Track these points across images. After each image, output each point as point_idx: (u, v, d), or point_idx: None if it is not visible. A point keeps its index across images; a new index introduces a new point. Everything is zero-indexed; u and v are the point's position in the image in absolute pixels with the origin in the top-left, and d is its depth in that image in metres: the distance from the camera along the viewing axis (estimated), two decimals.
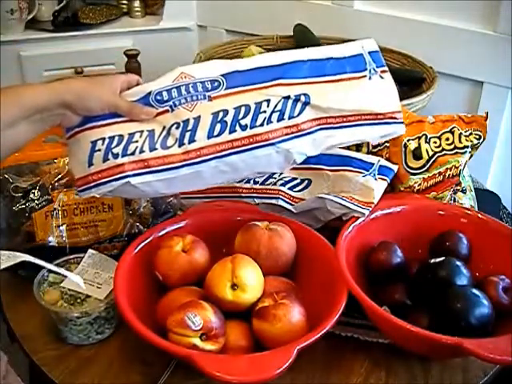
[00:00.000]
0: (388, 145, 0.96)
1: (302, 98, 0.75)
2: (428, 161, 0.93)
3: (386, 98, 0.79)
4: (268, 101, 0.74)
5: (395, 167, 0.92)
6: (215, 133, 0.72)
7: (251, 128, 0.73)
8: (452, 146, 0.93)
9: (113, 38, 1.75)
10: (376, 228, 0.85)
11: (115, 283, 0.73)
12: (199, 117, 0.73)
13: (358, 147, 0.99)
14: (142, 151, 0.71)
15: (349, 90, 0.77)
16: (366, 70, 0.79)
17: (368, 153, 0.97)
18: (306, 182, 0.93)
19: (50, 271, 0.81)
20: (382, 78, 0.79)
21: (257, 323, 0.71)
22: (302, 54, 0.78)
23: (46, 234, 0.85)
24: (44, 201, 0.85)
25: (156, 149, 0.72)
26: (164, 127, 0.73)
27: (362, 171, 0.90)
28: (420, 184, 0.93)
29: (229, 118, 0.73)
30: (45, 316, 0.79)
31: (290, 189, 0.92)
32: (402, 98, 1.06)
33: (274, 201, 0.91)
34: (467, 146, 0.93)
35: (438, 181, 0.93)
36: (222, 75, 0.75)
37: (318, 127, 0.75)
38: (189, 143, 0.72)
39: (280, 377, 0.61)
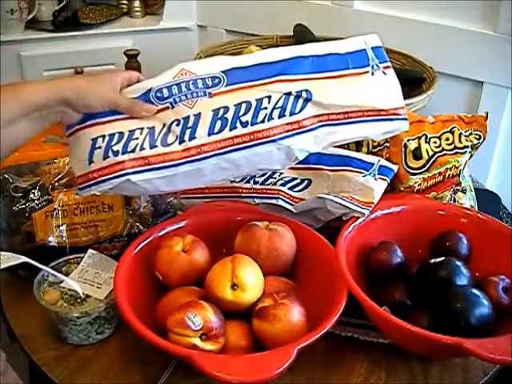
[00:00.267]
0: (388, 145, 0.96)
1: (304, 95, 0.74)
2: (428, 161, 0.93)
3: (389, 94, 0.78)
4: (269, 97, 0.73)
5: (395, 167, 0.92)
6: (216, 130, 0.72)
7: (252, 125, 0.72)
8: (452, 146, 0.93)
9: (113, 38, 1.75)
10: (376, 228, 0.85)
11: (115, 283, 0.73)
12: (200, 114, 0.72)
13: (357, 147, 0.99)
14: (142, 148, 0.71)
15: (351, 85, 0.76)
16: (368, 65, 0.78)
17: (368, 153, 0.97)
18: (306, 181, 0.93)
19: None
20: (384, 73, 0.79)
21: (257, 323, 0.71)
22: (304, 50, 0.77)
23: (46, 234, 0.85)
24: (44, 201, 0.85)
25: (156, 146, 0.71)
26: (164, 124, 0.72)
27: (362, 171, 0.90)
28: (420, 184, 0.93)
29: (229, 115, 0.72)
30: (45, 316, 0.79)
31: (290, 189, 0.92)
32: None
33: (274, 201, 0.91)
34: (467, 146, 0.93)
35: (438, 181, 0.93)
36: (223, 72, 0.74)
37: (320, 124, 0.75)
38: (189, 140, 0.71)
39: (280, 377, 0.61)
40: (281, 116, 0.73)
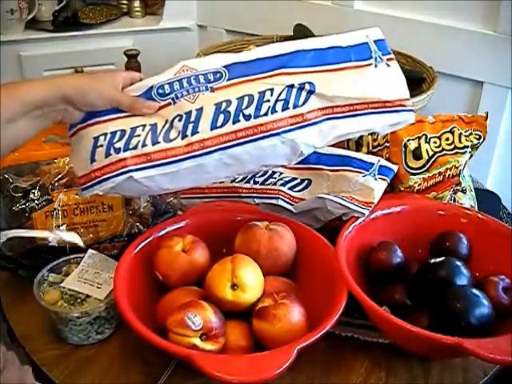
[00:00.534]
0: (388, 145, 0.96)
1: (307, 87, 0.73)
2: (428, 161, 0.93)
3: (394, 86, 0.77)
4: (271, 90, 0.73)
5: (395, 167, 0.92)
6: (218, 124, 0.71)
7: (255, 118, 0.71)
8: (452, 146, 0.93)
9: (113, 38, 1.75)
10: (376, 228, 0.85)
11: (115, 283, 0.73)
12: (202, 108, 0.72)
13: (357, 147, 0.99)
14: (144, 145, 0.71)
15: (354, 77, 0.75)
16: (371, 58, 0.77)
17: (368, 153, 0.97)
18: (306, 181, 0.93)
19: (49, 271, 0.81)
20: (388, 65, 0.78)
21: (257, 323, 0.71)
22: (305, 44, 0.76)
23: None
24: (44, 201, 0.85)
25: (159, 142, 0.71)
26: (166, 120, 0.72)
27: (362, 171, 0.90)
28: (420, 184, 0.93)
29: (232, 109, 0.71)
30: (45, 316, 0.79)
31: (290, 189, 0.92)
32: None
33: (274, 201, 0.91)
34: (467, 146, 0.93)
35: (438, 181, 0.93)
36: (224, 66, 0.74)
37: (324, 117, 0.74)
38: (192, 135, 0.71)
39: (280, 377, 0.61)
40: (284, 109, 0.72)
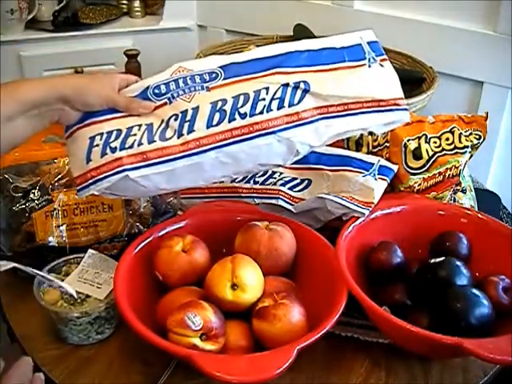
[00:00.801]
0: (388, 145, 0.96)
1: (302, 86, 0.73)
2: (428, 161, 0.93)
3: (388, 85, 0.77)
4: (267, 88, 0.73)
5: (395, 167, 0.92)
6: (214, 122, 0.71)
7: (251, 116, 0.72)
8: (452, 146, 0.93)
9: (113, 38, 1.75)
10: (376, 228, 0.85)
11: (115, 283, 0.73)
12: (198, 107, 0.72)
13: (357, 147, 0.99)
14: (140, 144, 0.70)
15: (348, 77, 0.76)
16: (364, 58, 0.77)
17: (368, 153, 0.97)
18: (306, 182, 0.93)
19: (49, 271, 0.81)
20: (382, 66, 0.78)
21: (257, 323, 0.71)
22: (300, 45, 0.77)
23: (46, 234, 0.85)
24: (44, 201, 0.85)
25: (155, 141, 0.71)
26: (162, 120, 0.72)
27: (362, 171, 0.90)
28: (420, 184, 0.93)
29: (228, 107, 0.72)
30: (45, 316, 0.79)
31: (290, 189, 0.92)
32: None
33: (274, 201, 0.91)
34: (467, 146, 0.93)
35: (438, 181, 0.93)
36: (220, 67, 0.74)
37: (319, 116, 0.74)
38: (188, 134, 0.71)
39: (280, 377, 0.61)
40: (280, 107, 0.72)
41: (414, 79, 1.24)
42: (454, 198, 0.96)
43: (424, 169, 0.93)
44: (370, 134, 0.98)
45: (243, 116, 0.72)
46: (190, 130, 0.71)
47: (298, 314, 0.70)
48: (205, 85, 0.73)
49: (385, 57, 0.80)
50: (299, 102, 0.73)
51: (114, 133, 0.71)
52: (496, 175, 1.44)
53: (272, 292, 0.73)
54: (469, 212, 0.89)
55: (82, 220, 0.86)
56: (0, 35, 1.62)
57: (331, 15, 1.54)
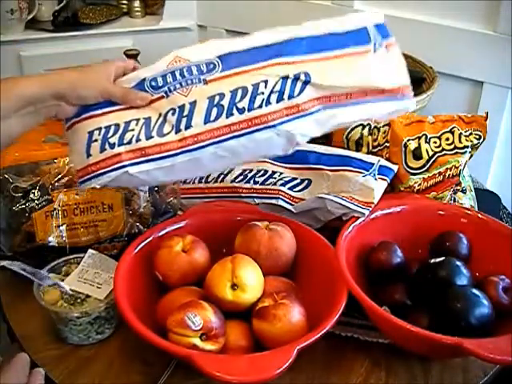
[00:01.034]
0: (388, 145, 0.96)
1: (302, 77, 0.72)
2: (428, 161, 0.93)
3: (393, 73, 0.75)
4: (266, 81, 0.71)
5: (395, 167, 0.92)
6: (212, 117, 0.70)
7: (249, 111, 0.71)
8: (452, 146, 0.93)
9: (113, 38, 1.75)
10: (376, 228, 0.85)
11: (115, 283, 0.73)
12: (195, 101, 0.71)
13: (357, 147, 0.99)
14: (138, 140, 0.70)
15: (351, 65, 0.73)
16: (369, 43, 0.75)
17: (368, 153, 0.97)
18: (306, 182, 0.93)
19: (49, 271, 0.81)
20: (388, 51, 0.76)
21: (257, 323, 0.71)
22: (301, 30, 0.75)
23: (46, 234, 0.85)
24: (44, 201, 0.85)
25: (152, 137, 0.70)
26: (160, 114, 0.71)
27: (362, 171, 0.90)
28: (420, 184, 0.93)
29: (225, 102, 0.71)
30: (45, 316, 0.79)
31: (290, 189, 0.92)
32: None
33: (274, 201, 0.91)
34: (467, 146, 0.93)
35: (438, 181, 0.93)
36: (218, 57, 0.73)
37: (321, 106, 0.72)
38: (185, 129, 0.70)
39: (280, 377, 0.61)
40: (279, 100, 0.71)
41: (414, 79, 1.22)
42: (454, 198, 0.96)
43: (424, 169, 0.93)
44: (370, 134, 0.98)
45: (241, 111, 0.71)
46: (188, 126, 0.70)
47: (298, 314, 0.70)
48: (202, 77, 0.72)
49: (392, 41, 0.76)
50: (299, 93, 0.71)
51: (112, 128, 0.71)
52: (496, 175, 1.44)
53: (272, 292, 0.73)
54: (469, 212, 0.89)
55: (82, 220, 0.86)
56: (0, 35, 1.62)
57: (331, 15, 1.53)
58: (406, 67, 0.76)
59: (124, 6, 1.87)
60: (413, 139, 0.94)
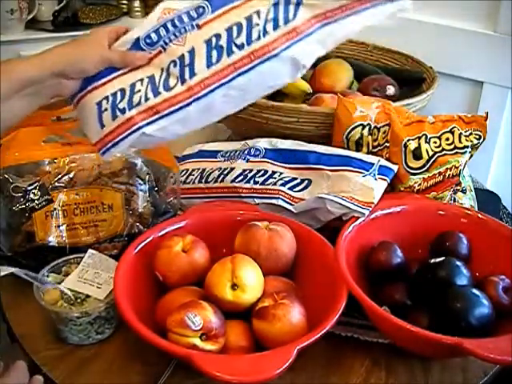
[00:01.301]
0: (388, 145, 0.96)
1: (293, 0, 0.71)
2: (428, 161, 0.93)
3: None
4: (258, 12, 0.71)
5: (395, 167, 0.92)
6: (214, 60, 0.70)
7: (248, 45, 0.70)
8: (452, 146, 0.93)
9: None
10: (376, 228, 0.85)
11: (115, 283, 0.73)
12: (193, 49, 0.71)
13: (357, 147, 0.99)
14: (147, 99, 0.71)
15: None
16: None
17: (368, 153, 0.97)
18: (306, 182, 0.92)
19: (49, 271, 0.81)
20: None
21: (257, 323, 0.71)
22: None
23: (46, 234, 0.85)
24: (44, 201, 0.85)
25: (160, 93, 0.71)
26: (162, 69, 0.72)
27: (362, 171, 0.90)
28: (420, 184, 0.93)
29: (223, 42, 0.71)
30: (45, 316, 0.79)
31: (290, 189, 0.92)
32: (401, 98, 1.07)
33: (274, 201, 0.91)
34: (467, 146, 0.93)
35: (438, 181, 0.93)
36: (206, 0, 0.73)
37: (318, 24, 0.71)
38: (190, 78, 0.70)
39: (280, 377, 0.61)
40: (275, 28, 0.70)
41: (414, 79, 1.24)
42: (454, 198, 0.96)
43: (424, 169, 0.93)
44: (370, 134, 0.98)
45: (241, 47, 0.70)
46: (192, 74, 0.70)
47: (298, 314, 0.70)
48: (194, 23, 0.72)
49: None
50: (294, 16, 0.71)
51: (119, 94, 0.72)
52: (496, 175, 1.44)
53: (272, 292, 0.73)
54: (469, 212, 0.89)
55: (82, 220, 0.86)
56: (0, 35, 1.62)
57: None
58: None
59: (124, 6, 1.87)
60: (413, 139, 0.94)
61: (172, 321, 0.68)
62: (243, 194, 0.93)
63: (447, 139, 0.94)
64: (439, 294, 0.73)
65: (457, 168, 0.93)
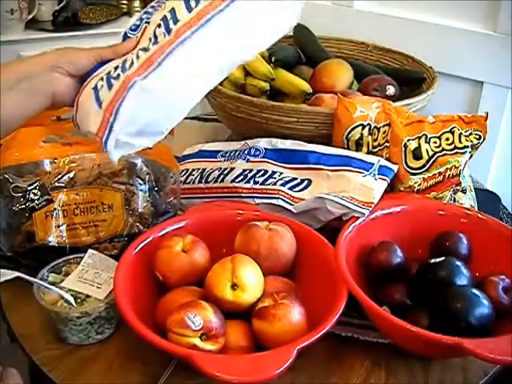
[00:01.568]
0: (388, 145, 0.96)
1: None
2: (428, 161, 0.93)
3: None
4: None
5: (395, 167, 0.92)
6: (193, 5, 0.72)
7: None
8: (452, 146, 0.93)
9: (113, 38, 1.74)
10: (376, 228, 0.85)
11: (115, 283, 0.73)
12: (173, 8, 0.73)
13: (357, 147, 0.99)
14: (138, 57, 0.72)
15: None
16: None
17: (368, 153, 0.97)
18: (306, 182, 0.93)
19: (49, 271, 0.81)
20: None
21: (257, 323, 0.71)
22: None
23: (46, 234, 0.85)
24: (44, 201, 0.85)
25: (150, 49, 0.72)
26: (150, 38, 0.73)
27: (362, 171, 0.90)
28: (420, 184, 0.93)
29: None
30: (45, 316, 0.79)
31: (290, 189, 0.92)
32: (402, 98, 1.07)
33: (274, 201, 0.91)
34: (467, 146, 0.93)
35: (437, 181, 0.93)
36: None
37: None
38: (175, 24, 0.72)
39: (280, 377, 0.61)
40: None
41: (414, 79, 1.24)
42: (454, 198, 0.96)
43: (424, 169, 0.93)
44: (370, 134, 0.98)
45: None
46: (175, 21, 0.72)
47: (298, 314, 0.70)
48: None
49: None
50: None
51: (113, 70, 0.73)
52: (496, 175, 1.44)
53: (272, 292, 0.73)
54: (469, 212, 0.89)
55: (82, 220, 0.86)
56: (0, 35, 1.62)
57: (331, 15, 1.54)
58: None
59: (124, 6, 1.87)
60: (413, 139, 0.94)
61: (172, 321, 0.68)
62: (243, 194, 0.93)
63: (447, 139, 0.94)
64: (439, 294, 0.73)
65: (457, 168, 0.93)
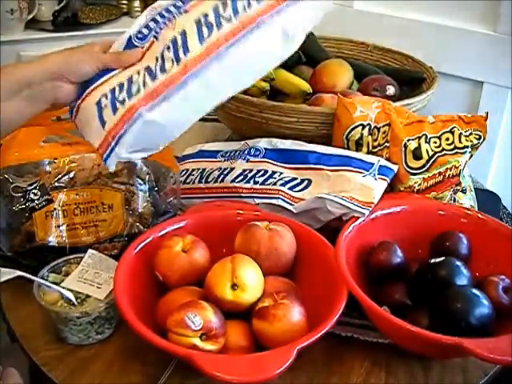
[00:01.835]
0: (388, 145, 0.96)
1: None
2: (428, 161, 0.93)
3: None
4: None
5: (395, 167, 0.92)
6: (205, 35, 0.71)
7: (235, 15, 0.72)
8: (452, 146, 0.93)
9: (113, 38, 1.75)
10: (376, 228, 0.85)
11: (115, 283, 0.73)
12: (184, 30, 0.72)
13: (357, 147, 0.99)
14: (145, 85, 0.71)
15: None
16: None
17: (368, 153, 0.97)
18: (306, 182, 0.93)
19: (49, 271, 0.81)
20: None
21: (257, 323, 0.71)
22: None
23: (46, 234, 0.85)
24: (44, 201, 0.85)
25: (157, 77, 0.71)
26: (157, 58, 0.72)
27: (362, 171, 0.90)
28: (420, 184, 0.93)
29: (211, 19, 0.72)
30: (45, 316, 0.79)
31: (290, 189, 0.92)
32: (402, 98, 1.07)
33: (274, 201, 0.91)
34: (467, 146, 0.93)
35: (437, 181, 0.93)
36: None
37: None
38: (185, 55, 0.71)
39: (280, 377, 0.61)
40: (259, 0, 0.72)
41: (414, 79, 1.24)
42: (454, 198, 0.96)
43: (424, 169, 0.93)
44: (370, 134, 0.98)
45: (229, 19, 0.71)
46: (186, 51, 0.71)
47: (298, 314, 0.70)
48: (181, 9, 0.73)
49: None
50: None
51: (117, 88, 0.72)
52: (496, 175, 1.44)
53: (272, 292, 0.73)
54: (469, 212, 0.89)
55: (82, 220, 0.86)
56: (0, 35, 1.62)
57: (331, 15, 1.53)
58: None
59: (124, 6, 1.87)
60: (413, 139, 0.94)
61: (172, 321, 0.68)
62: (243, 194, 0.93)
63: (447, 139, 0.94)
64: (439, 294, 0.73)
65: (457, 168, 0.93)
